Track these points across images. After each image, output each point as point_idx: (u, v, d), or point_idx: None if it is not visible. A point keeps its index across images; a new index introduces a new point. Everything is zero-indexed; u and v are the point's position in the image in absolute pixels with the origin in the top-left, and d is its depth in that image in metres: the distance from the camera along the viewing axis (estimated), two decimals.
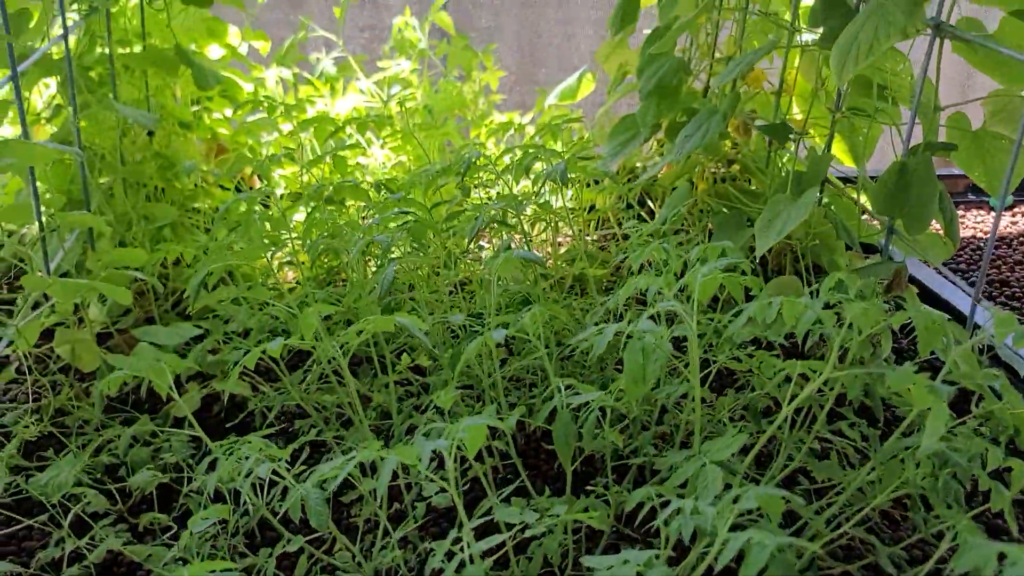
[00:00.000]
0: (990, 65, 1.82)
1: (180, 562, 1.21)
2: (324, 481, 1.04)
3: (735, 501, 0.97)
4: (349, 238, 1.55)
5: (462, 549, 0.94)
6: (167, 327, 1.82)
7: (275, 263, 2.18)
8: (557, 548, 1.15)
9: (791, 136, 1.87)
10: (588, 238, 2.25)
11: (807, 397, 1.18)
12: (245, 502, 1.34)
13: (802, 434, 1.43)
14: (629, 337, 1.17)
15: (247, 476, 1.08)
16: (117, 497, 1.50)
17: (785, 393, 1.29)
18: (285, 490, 1.21)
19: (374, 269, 1.77)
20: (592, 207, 2.40)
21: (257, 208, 1.67)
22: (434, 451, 1.00)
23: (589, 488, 1.35)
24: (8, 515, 1.46)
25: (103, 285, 1.45)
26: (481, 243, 2.34)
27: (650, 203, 2.50)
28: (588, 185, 2.35)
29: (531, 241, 2.03)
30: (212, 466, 1.26)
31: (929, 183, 1.68)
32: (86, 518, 1.43)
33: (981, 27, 1.78)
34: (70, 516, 1.41)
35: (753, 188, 2.30)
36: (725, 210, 2.07)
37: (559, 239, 2.37)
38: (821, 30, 1.82)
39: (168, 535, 1.49)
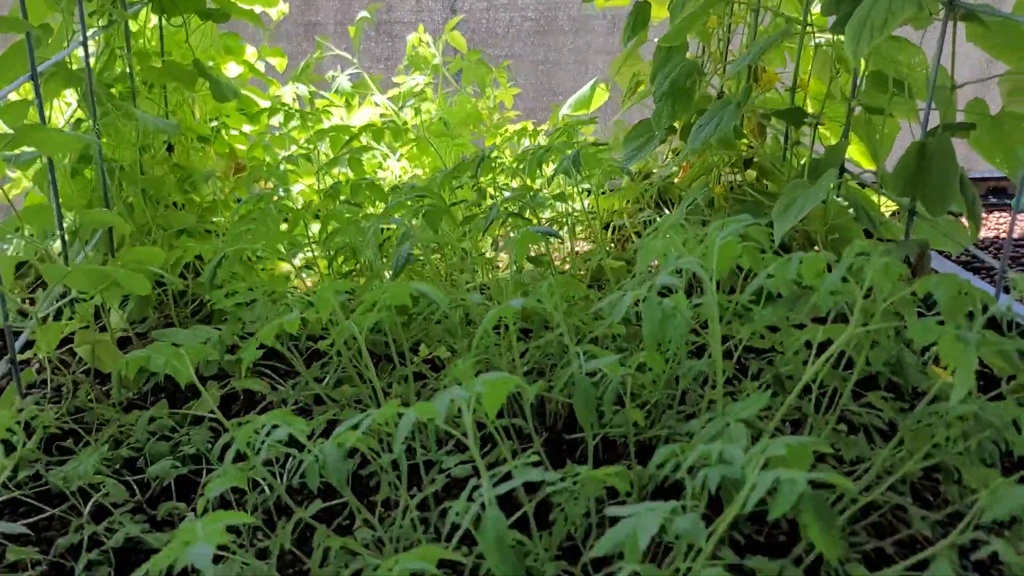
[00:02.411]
0: (1007, 50, 1.82)
1: None
2: (341, 444, 1.02)
3: (762, 451, 0.94)
4: (366, 229, 1.55)
5: (479, 499, 0.91)
6: (187, 329, 1.82)
7: (293, 270, 2.19)
8: (581, 515, 1.12)
9: (806, 121, 1.87)
10: (605, 239, 2.24)
11: (830, 358, 1.15)
12: (261, 481, 1.33)
13: (828, 416, 1.41)
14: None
15: (265, 439, 1.06)
16: (136, 488, 1.49)
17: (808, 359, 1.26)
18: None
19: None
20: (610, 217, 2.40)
21: (273, 202, 1.67)
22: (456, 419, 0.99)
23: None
24: (31, 504, 1.45)
25: (123, 272, 1.45)
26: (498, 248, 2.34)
27: (666, 209, 2.50)
28: (603, 193, 2.35)
29: (548, 243, 2.03)
30: (229, 446, 1.25)
31: (949, 162, 1.66)
32: (107, 505, 1.42)
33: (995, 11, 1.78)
34: (90, 504, 1.41)
35: (770, 190, 2.29)
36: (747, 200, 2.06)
37: (576, 246, 2.37)
38: (834, 19, 1.83)
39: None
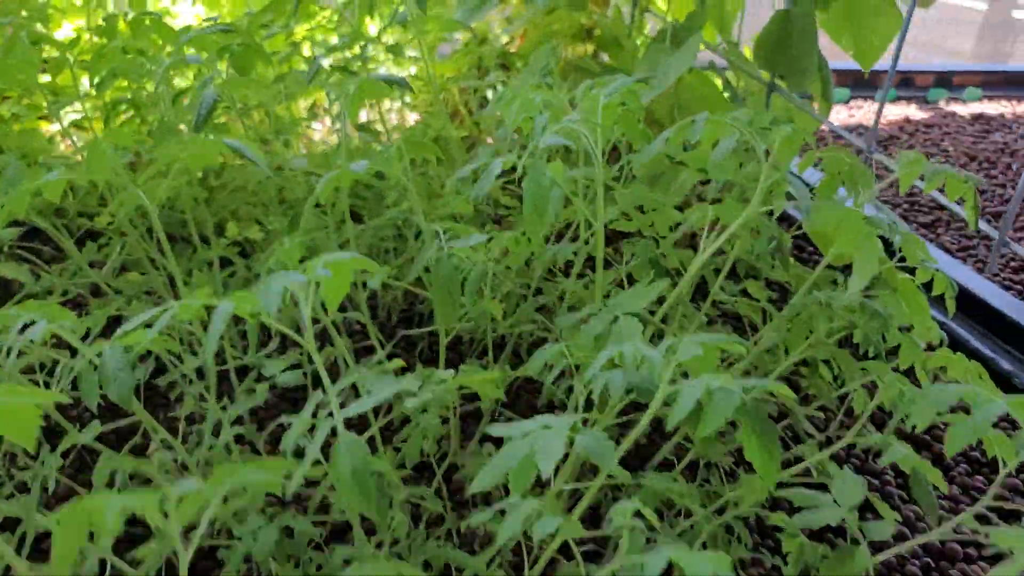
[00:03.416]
0: None
1: None
2: (129, 347, 0.76)
3: (673, 353, 0.78)
4: (152, 74, 1.22)
5: (324, 419, 0.70)
6: None
7: (59, 132, 1.80)
8: (438, 430, 0.93)
9: None
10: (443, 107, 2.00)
11: (720, 241, 1.01)
12: None
13: (702, 305, 1.29)
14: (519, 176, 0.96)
15: (19, 339, 0.78)
16: None
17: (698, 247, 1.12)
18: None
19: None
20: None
21: (27, 31, 1.28)
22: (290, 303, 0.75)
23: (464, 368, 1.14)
24: None
25: None
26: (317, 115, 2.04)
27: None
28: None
29: (380, 106, 1.76)
30: None
31: (811, 36, 1.56)
32: None
33: None
34: None
35: (610, 64, 2.13)
36: (594, 72, 1.88)
37: (407, 116, 2.11)
38: None
39: None
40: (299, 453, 0.78)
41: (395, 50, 1.52)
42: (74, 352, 0.94)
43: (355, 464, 0.64)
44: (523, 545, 0.97)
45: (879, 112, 1.47)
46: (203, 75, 1.25)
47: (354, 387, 1.09)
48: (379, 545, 0.92)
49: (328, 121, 2.24)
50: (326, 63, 1.51)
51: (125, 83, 1.41)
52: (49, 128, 2.04)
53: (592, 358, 0.89)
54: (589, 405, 0.91)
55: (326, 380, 0.75)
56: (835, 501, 0.87)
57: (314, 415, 0.73)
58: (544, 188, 0.86)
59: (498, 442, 1.22)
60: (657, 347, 0.79)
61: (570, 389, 1.03)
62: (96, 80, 1.24)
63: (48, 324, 0.78)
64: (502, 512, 0.72)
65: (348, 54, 1.44)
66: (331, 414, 0.69)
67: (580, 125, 0.93)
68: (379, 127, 1.75)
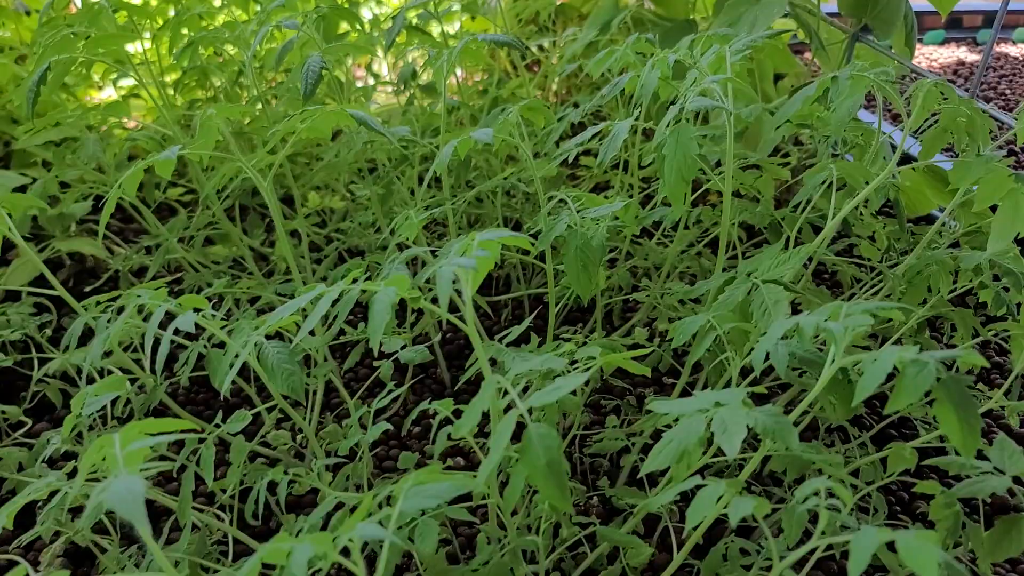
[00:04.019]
0: None
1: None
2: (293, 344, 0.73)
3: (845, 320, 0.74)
4: (242, 38, 1.16)
5: (506, 406, 0.67)
6: None
7: (114, 98, 1.75)
8: (575, 404, 0.90)
9: None
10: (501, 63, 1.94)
11: (856, 202, 0.96)
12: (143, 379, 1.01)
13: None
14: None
15: (151, 325, 0.75)
16: None
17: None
18: (200, 358, 0.89)
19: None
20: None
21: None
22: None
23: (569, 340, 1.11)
24: None
25: None
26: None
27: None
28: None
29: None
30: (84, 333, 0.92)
31: None
32: None
33: None
34: None
35: (668, 17, 2.06)
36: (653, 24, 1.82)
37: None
38: None
39: (21, 432, 1.13)
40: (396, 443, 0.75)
41: (470, 8, 1.46)
42: (193, 336, 0.92)
43: (550, 456, 0.61)
44: (669, 524, 0.95)
45: (985, 58, 1.41)
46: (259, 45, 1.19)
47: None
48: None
49: (369, 80, 2.18)
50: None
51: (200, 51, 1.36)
52: (98, 96, 1.99)
53: (740, 328, 0.86)
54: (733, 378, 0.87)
55: (487, 369, 0.72)
56: (996, 469, 0.84)
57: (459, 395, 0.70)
58: (692, 155, 0.82)
59: (601, 416, 1.20)
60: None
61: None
62: (176, 49, 1.19)
63: (190, 313, 0.74)
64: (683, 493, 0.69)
65: (427, 10, 1.37)
66: (510, 404, 0.65)
67: (717, 88, 0.89)
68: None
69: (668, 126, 0.86)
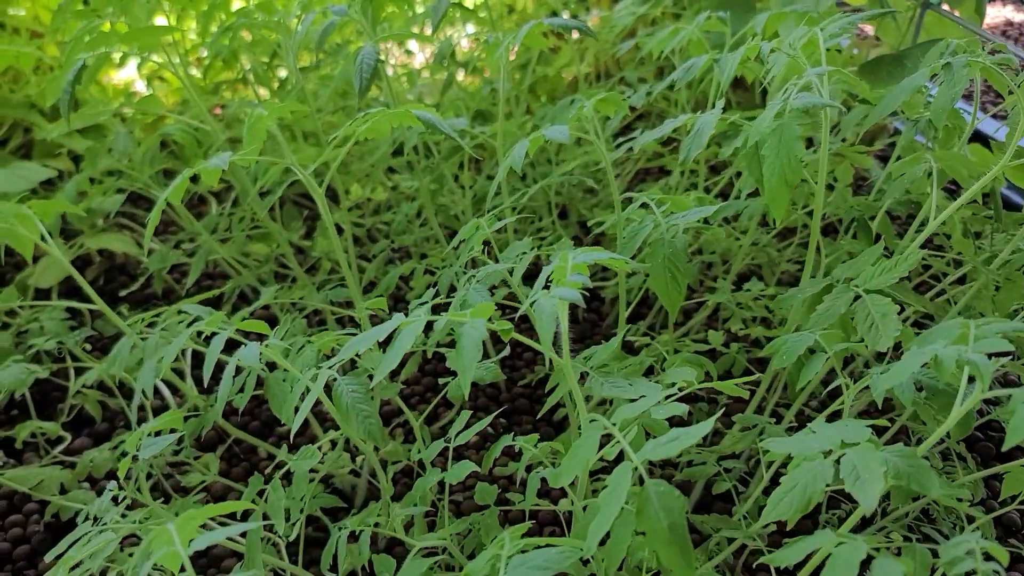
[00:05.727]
0: None
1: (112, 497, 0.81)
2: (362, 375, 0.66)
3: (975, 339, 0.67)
4: (279, 18, 1.08)
5: (617, 452, 0.60)
6: (4, 169, 1.31)
7: (134, 82, 1.68)
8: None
9: None
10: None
11: (966, 199, 0.88)
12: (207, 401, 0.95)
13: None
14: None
15: (212, 351, 0.68)
16: None
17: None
18: (259, 381, 0.82)
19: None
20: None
21: None
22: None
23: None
24: None
25: None
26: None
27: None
28: None
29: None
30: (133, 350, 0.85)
31: None
32: None
33: None
34: None
35: None
36: None
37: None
38: None
39: (60, 449, 1.07)
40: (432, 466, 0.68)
41: None
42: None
43: (671, 519, 0.54)
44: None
45: None
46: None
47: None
48: None
49: (395, 53, 2.09)
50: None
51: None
52: (116, 75, 1.91)
53: (844, 345, 0.78)
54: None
55: (580, 403, 0.65)
56: None
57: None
58: (797, 157, 0.74)
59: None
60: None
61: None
62: (209, 33, 1.11)
63: (255, 344, 0.67)
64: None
65: None
66: (620, 454, 0.58)
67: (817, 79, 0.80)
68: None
69: (768, 122, 0.77)
